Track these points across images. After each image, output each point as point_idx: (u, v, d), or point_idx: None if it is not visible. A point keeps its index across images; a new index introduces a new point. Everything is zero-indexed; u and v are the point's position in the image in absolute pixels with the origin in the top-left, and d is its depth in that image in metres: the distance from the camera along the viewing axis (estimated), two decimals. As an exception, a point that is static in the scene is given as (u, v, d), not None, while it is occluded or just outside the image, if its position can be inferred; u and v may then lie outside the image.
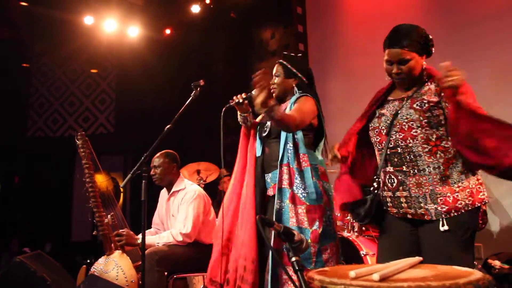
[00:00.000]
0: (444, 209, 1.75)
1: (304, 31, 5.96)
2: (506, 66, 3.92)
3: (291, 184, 2.18)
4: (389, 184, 1.87)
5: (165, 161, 3.11)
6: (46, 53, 7.16)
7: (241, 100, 2.38)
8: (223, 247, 2.34)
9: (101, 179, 3.15)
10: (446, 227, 1.73)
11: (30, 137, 7.38)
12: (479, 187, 1.77)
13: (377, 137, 1.92)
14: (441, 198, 1.76)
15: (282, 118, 2.08)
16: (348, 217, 3.48)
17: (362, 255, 3.12)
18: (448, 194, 1.75)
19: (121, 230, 2.85)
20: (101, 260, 2.75)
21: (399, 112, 1.85)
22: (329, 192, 2.24)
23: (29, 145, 7.23)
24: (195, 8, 6.24)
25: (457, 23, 4.29)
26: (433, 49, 1.90)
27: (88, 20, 6.08)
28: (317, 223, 2.13)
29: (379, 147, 1.92)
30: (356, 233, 3.37)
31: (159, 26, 6.64)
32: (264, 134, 2.39)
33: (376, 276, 1.04)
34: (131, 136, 6.65)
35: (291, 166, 2.21)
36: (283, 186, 2.19)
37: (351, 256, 3.17)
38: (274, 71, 2.47)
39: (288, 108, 2.33)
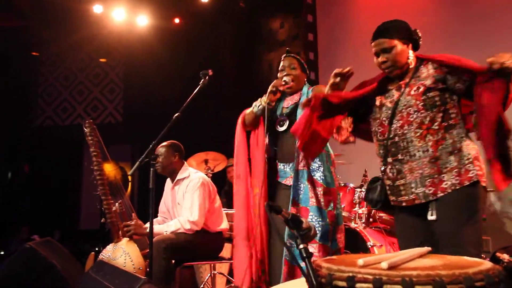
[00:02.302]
0: (431, 191, 1.78)
1: (314, 21, 5.91)
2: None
3: (308, 167, 2.28)
4: (390, 174, 1.91)
5: (166, 150, 3.12)
6: (55, 41, 7.18)
7: (281, 89, 2.45)
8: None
9: (109, 168, 3.16)
10: (434, 217, 1.77)
11: (39, 126, 7.44)
12: (469, 166, 1.76)
13: (379, 127, 1.94)
14: (428, 180, 1.79)
15: None
16: (355, 208, 3.47)
17: (369, 246, 3.11)
18: (436, 176, 1.78)
19: (130, 220, 2.87)
20: (109, 247, 2.77)
21: (399, 100, 1.88)
22: (337, 178, 2.37)
23: (38, 134, 7.29)
24: (204, -3, 6.22)
25: (469, 15, 4.23)
26: (420, 41, 1.95)
27: (97, 8, 6.08)
28: (332, 204, 2.26)
29: (380, 138, 1.94)
30: (363, 224, 3.36)
31: (167, 15, 6.62)
32: (282, 129, 2.43)
33: (384, 265, 1.03)
34: (139, 125, 6.67)
35: None
36: (299, 168, 2.29)
37: (358, 247, 3.16)
38: (287, 63, 2.50)
39: (304, 97, 2.41)
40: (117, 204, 2.89)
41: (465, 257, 1.23)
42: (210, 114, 6.31)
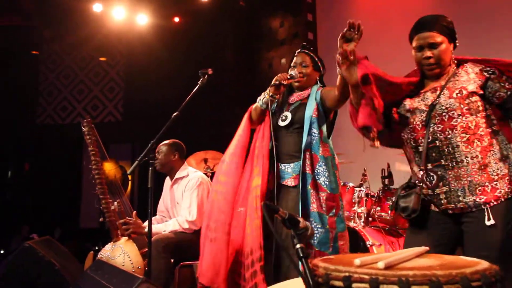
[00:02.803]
0: (482, 200, 1.69)
1: (314, 20, 5.90)
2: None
3: (312, 170, 2.19)
4: (427, 182, 1.79)
5: (167, 149, 3.13)
6: (55, 40, 7.19)
7: (285, 83, 2.33)
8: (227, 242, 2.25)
9: (109, 167, 3.17)
10: (492, 221, 1.66)
11: (40, 124, 7.44)
12: None
13: (412, 133, 1.83)
14: (479, 188, 1.70)
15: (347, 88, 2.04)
16: (354, 207, 3.47)
17: (368, 245, 3.11)
18: (487, 184, 1.69)
19: (127, 219, 2.86)
20: (108, 246, 2.77)
21: (436, 103, 1.78)
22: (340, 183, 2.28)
23: (38, 132, 7.30)
24: (204, -4, 6.22)
25: (470, 13, 4.22)
26: (457, 42, 1.85)
27: (97, 7, 6.08)
28: (334, 210, 2.18)
29: (413, 144, 1.83)
30: (362, 224, 3.36)
31: (167, 14, 6.62)
32: (284, 124, 2.33)
33: (381, 264, 1.03)
34: (139, 124, 6.67)
35: (313, 153, 2.22)
36: (306, 171, 2.20)
37: (357, 246, 3.16)
38: (299, 60, 2.41)
39: (313, 97, 2.33)
40: (115, 203, 2.89)
41: (462, 257, 1.22)
42: (209, 113, 6.31)
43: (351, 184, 3.59)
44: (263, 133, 2.37)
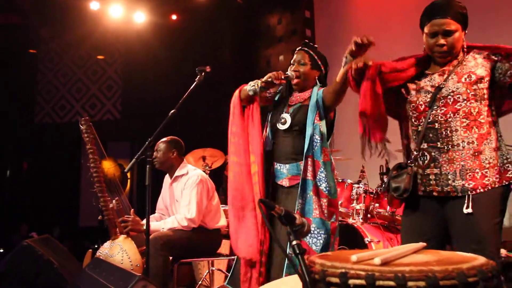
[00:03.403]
0: (471, 185, 1.71)
1: (312, 17, 5.90)
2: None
3: (314, 176, 2.16)
4: (420, 161, 1.81)
5: (165, 146, 3.13)
6: (53, 38, 7.17)
7: (277, 82, 2.27)
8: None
9: (108, 165, 3.16)
10: (470, 210, 1.68)
11: (38, 123, 7.43)
12: (508, 166, 1.74)
13: (414, 112, 1.83)
14: (470, 173, 1.72)
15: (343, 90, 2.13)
16: (353, 204, 3.47)
17: (367, 242, 3.11)
18: (477, 170, 1.72)
19: (126, 216, 2.86)
20: (107, 244, 2.77)
21: (443, 86, 1.78)
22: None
23: (37, 131, 7.29)
24: (202, -6, 6.20)
25: (469, 10, 4.22)
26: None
27: (94, 5, 6.07)
28: (334, 216, 2.17)
29: (414, 122, 1.84)
30: (361, 220, 3.36)
31: (165, 11, 6.61)
32: (283, 128, 2.28)
33: (377, 260, 1.03)
34: (137, 122, 6.66)
35: (315, 159, 2.18)
36: (307, 177, 2.16)
37: (356, 243, 3.16)
38: (298, 58, 2.35)
39: (314, 99, 2.26)
40: (114, 201, 2.88)
41: (459, 253, 1.22)
42: (207, 110, 6.30)
43: (349, 181, 3.59)
44: (252, 117, 2.32)
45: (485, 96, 1.75)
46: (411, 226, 1.88)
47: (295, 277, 1.09)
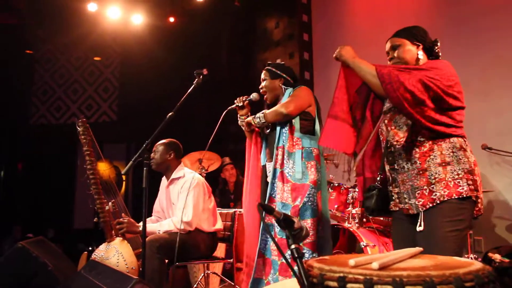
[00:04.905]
0: (420, 203, 1.79)
1: (309, 21, 5.92)
2: (510, 59, 3.89)
3: (282, 164, 2.41)
4: (390, 182, 1.95)
5: (163, 148, 3.14)
6: (50, 39, 7.15)
7: (240, 104, 2.64)
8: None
9: (103, 167, 3.15)
10: (421, 228, 1.76)
11: (33, 124, 7.39)
12: (459, 182, 1.74)
13: (381, 135, 2.00)
14: (418, 192, 1.80)
15: (272, 118, 2.45)
16: (349, 208, 3.48)
17: (362, 246, 3.12)
18: (425, 187, 1.79)
19: (122, 218, 2.85)
20: (102, 246, 2.76)
21: (393, 108, 1.91)
22: (319, 173, 2.41)
23: (32, 132, 7.25)
24: (199, -4, 6.21)
25: (462, 15, 4.25)
26: (436, 49, 1.95)
27: (91, 7, 6.06)
28: (299, 199, 2.33)
29: (383, 145, 1.99)
30: (356, 224, 3.36)
31: (162, 13, 6.61)
32: (268, 131, 2.60)
33: (375, 265, 1.04)
34: (134, 124, 6.65)
35: (285, 149, 2.43)
36: (276, 166, 2.42)
37: (351, 247, 3.18)
38: (262, 77, 2.66)
39: (285, 99, 2.52)
40: (110, 203, 2.87)
41: (456, 258, 1.23)
42: (204, 113, 6.30)
43: (345, 185, 3.60)
44: (255, 153, 2.67)
45: None
46: (395, 239, 2.00)
47: (294, 281, 1.10)
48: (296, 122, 2.45)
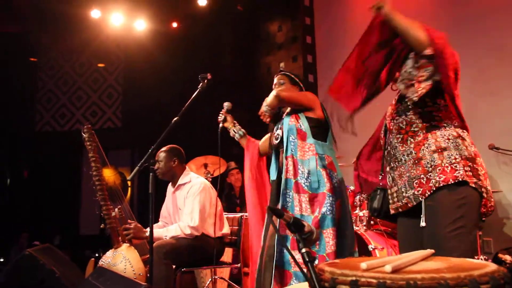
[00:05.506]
0: (419, 192, 1.76)
1: (312, 24, 5.91)
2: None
3: (295, 174, 2.29)
4: (390, 183, 1.94)
5: (165, 156, 3.13)
6: (53, 46, 7.18)
7: (223, 116, 2.74)
8: None
9: (108, 174, 3.15)
10: (424, 224, 1.74)
11: (38, 131, 7.42)
12: (456, 166, 1.71)
13: (382, 140, 2.03)
14: (416, 181, 1.78)
15: (269, 100, 2.35)
16: (356, 211, 3.45)
17: (371, 249, 3.10)
18: (422, 176, 1.76)
19: (128, 224, 2.85)
20: (109, 253, 2.75)
21: (389, 115, 1.96)
22: (334, 180, 2.31)
23: (37, 140, 7.27)
24: (202, 1, 6.22)
25: (465, 15, 4.23)
26: None
27: (95, 13, 6.09)
28: (318, 209, 2.24)
29: (384, 152, 2.01)
30: (364, 227, 3.34)
31: (165, 19, 6.63)
32: (276, 142, 2.48)
33: (388, 268, 1.02)
34: (138, 130, 6.66)
35: (294, 157, 2.31)
36: (288, 177, 2.30)
37: (359, 250, 3.14)
38: (276, 81, 2.60)
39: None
40: (116, 209, 2.87)
41: (469, 259, 1.21)
42: (209, 117, 6.30)
43: (352, 188, 3.58)
44: (259, 163, 2.72)
45: (410, 107, 1.81)
46: (401, 241, 1.97)
47: (305, 285, 1.08)
48: (307, 128, 2.36)
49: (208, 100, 5.49)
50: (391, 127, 1.90)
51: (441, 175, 1.71)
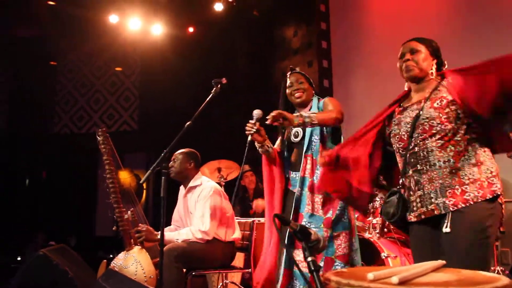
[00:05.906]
0: (451, 202, 1.74)
1: (327, 29, 5.89)
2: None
3: (312, 173, 2.32)
4: (412, 187, 1.88)
5: (183, 157, 3.15)
6: (72, 51, 7.32)
7: (255, 128, 2.34)
8: None
9: (124, 176, 3.19)
10: (448, 229, 1.72)
11: (57, 133, 7.56)
12: (492, 180, 1.74)
13: (399, 143, 1.93)
14: (449, 191, 1.75)
15: (323, 120, 2.26)
16: (369, 218, 3.41)
17: (383, 257, 3.05)
18: (457, 187, 1.74)
19: (140, 227, 2.87)
20: (121, 255, 2.78)
21: (420, 114, 1.87)
22: None
23: (55, 142, 7.41)
24: (218, 6, 6.25)
25: (482, 21, 4.17)
26: (443, 67, 1.97)
27: (113, 18, 6.18)
28: (331, 211, 2.28)
29: (402, 153, 1.93)
30: (377, 235, 3.30)
31: (182, 24, 6.69)
32: (297, 140, 2.48)
33: (395, 279, 1.00)
34: (154, 133, 6.71)
35: (314, 158, 2.35)
36: (305, 175, 2.34)
37: (372, 258, 3.11)
38: (294, 79, 2.55)
39: (316, 108, 2.48)
40: (129, 212, 2.89)
41: (481, 272, 1.18)
42: (223, 122, 6.32)
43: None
44: (278, 174, 2.55)
45: (460, 116, 1.80)
46: (415, 251, 1.95)
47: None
48: (329, 131, 2.41)
49: (222, 104, 5.54)
50: (434, 132, 1.81)
51: (479, 190, 1.72)
